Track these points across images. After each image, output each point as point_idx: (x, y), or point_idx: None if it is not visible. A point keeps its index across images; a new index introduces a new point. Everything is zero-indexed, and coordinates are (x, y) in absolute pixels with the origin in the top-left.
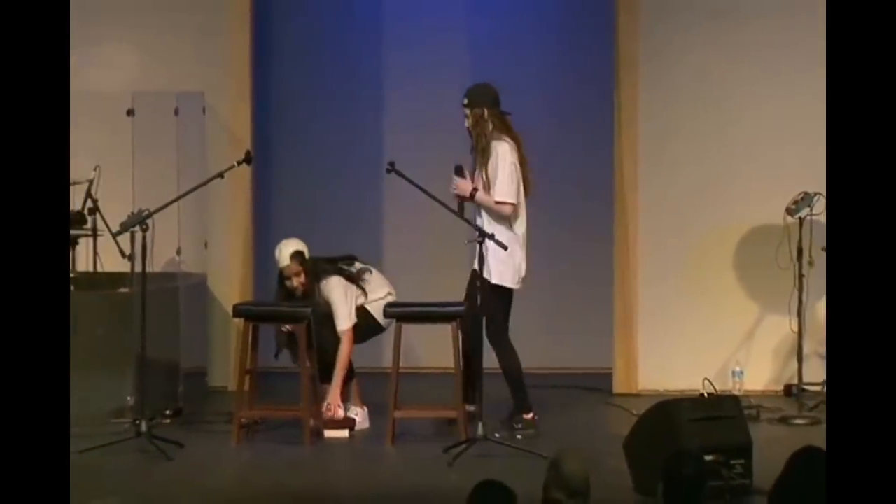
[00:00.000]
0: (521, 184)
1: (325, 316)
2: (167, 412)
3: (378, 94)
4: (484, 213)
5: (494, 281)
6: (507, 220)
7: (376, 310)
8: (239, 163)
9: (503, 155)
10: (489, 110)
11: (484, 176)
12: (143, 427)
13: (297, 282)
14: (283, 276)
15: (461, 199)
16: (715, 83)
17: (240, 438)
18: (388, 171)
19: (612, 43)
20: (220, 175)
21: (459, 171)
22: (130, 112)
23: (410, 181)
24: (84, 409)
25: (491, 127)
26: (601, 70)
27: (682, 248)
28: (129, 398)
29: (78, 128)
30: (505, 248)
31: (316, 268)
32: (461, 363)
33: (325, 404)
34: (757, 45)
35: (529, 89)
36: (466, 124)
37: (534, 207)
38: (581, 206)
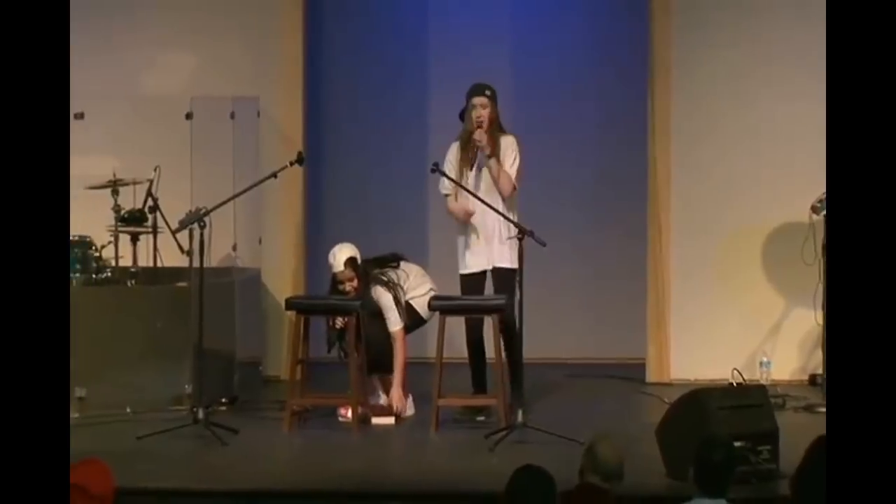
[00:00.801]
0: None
1: (374, 312)
2: (223, 400)
3: (423, 95)
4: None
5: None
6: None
7: (420, 305)
8: (291, 163)
9: (515, 144)
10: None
11: (493, 167)
12: (201, 414)
13: (349, 286)
14: (336, 280)
15: (478, 147)
16: (745, 84)
17: (291, 425)
18: (433, 171)
19: (648, 45)
20: (274, 175)
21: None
22: (189, 115)
23: (453, 180)
24: (144, 396)
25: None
26: (636, 72)
27: (712, 244)
28: (187, 387)
29: (140, 130)
30: (544, 244)
31: (367, 274)
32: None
33: (388, 400)
34: (787, 47)
35: (567, 91)
36: (484, 114)
37: (571, 206)
38: (616, 205)
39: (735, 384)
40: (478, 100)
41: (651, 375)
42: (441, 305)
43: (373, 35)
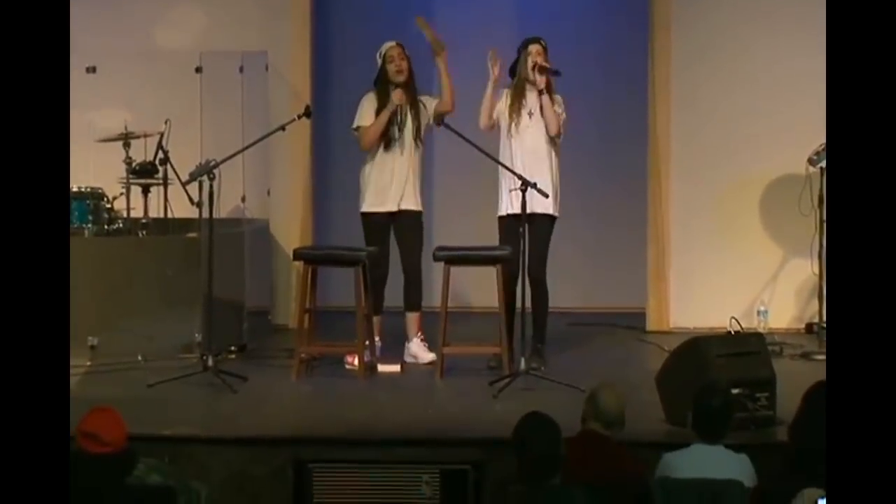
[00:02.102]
0: None
1: (379, 255)
2: (232, 348)
3: (429, 53)
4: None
5: (555, 212)
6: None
7: None
8: (299, 116)
9: (562, 101)
10: None
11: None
12: (210, 362)
13: (400, 64)
14: (385, 64)
15: (541, 69)
16: (745, 36)
17: (299, 373)
18: (438, 125)
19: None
20: (282, 128)
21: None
22: (199, 70)
23: (459, 134)
24: (154, 345)
25: None
26: (637, 23)
27: (711, 194)
28: (197, 335)
29: (150, 84)
30: (546, 195)
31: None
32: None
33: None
34: (784, 2)
35: (569, 39)
36: (540, 59)
37: (571, 152)
38: (616, 152)
39: (733, 332)
40: (534, 47)
41: (651, 324)
42: (445, 255)
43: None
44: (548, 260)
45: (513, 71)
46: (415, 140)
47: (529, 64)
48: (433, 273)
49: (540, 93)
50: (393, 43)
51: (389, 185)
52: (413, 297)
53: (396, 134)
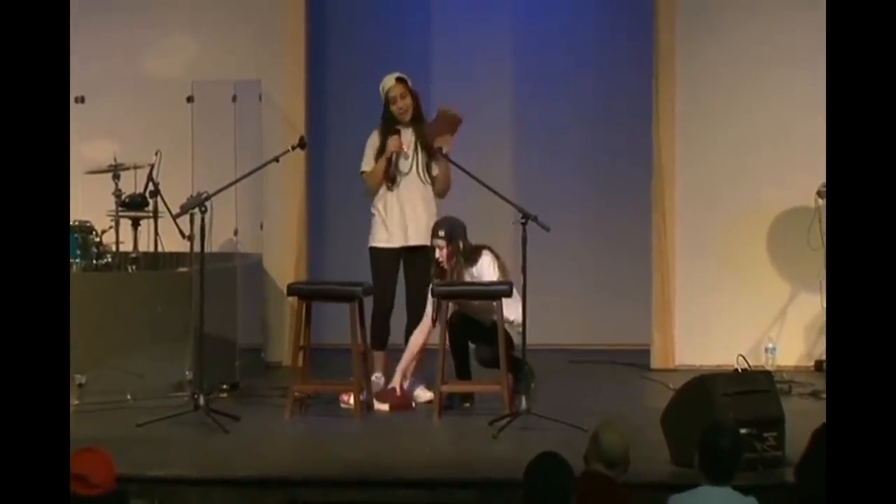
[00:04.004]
0: None
1: (385, 289)
2: (224, 387)
3: (426, 78)
4: None
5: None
6: None
7: None
8: (293, 147)
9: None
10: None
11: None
12: (202, 401)
13: (403, 104)
14: (388, 102)
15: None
16: (749, 65)
17: (293, 412)
18: (436, 156)
19: (652, 28)
20: (276, 159)
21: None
22: (190, 99)
23: (457, 165)
24: (144, 383)
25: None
26: (641, 53)
27: (717, 227)
28: (187, 373)
29: (141, 114)
30: (548, 229)
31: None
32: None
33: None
34: (790, 29)
35: (572, 70)
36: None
37: (575, 186)
38: (620, 185)
39: (740, 370)
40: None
41: (656, 361)
42: (444, 292)
43: (376, 18)
44: (547, 293)
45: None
46: (421, 174)
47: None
48: None
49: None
50: (393, 81)
51: (396, 221)
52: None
53: (397, 174)
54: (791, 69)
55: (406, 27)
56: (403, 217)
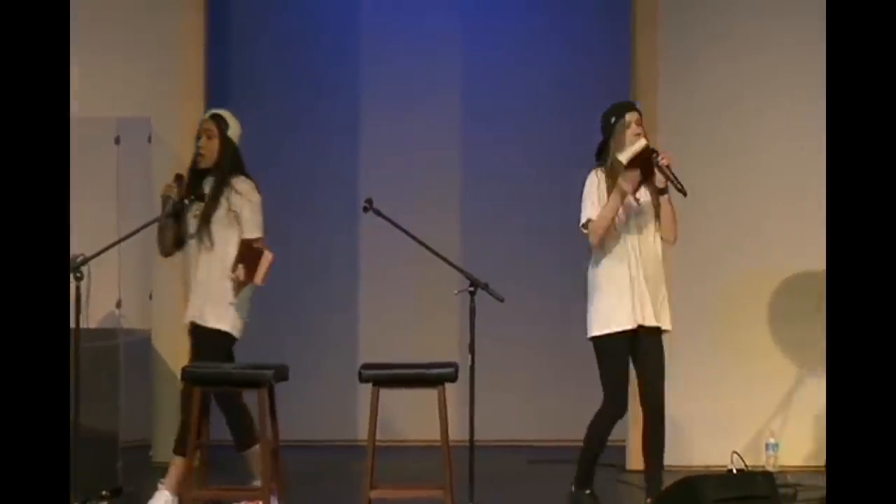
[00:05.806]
0: None
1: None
2: (104, 493)
3: (354, 120)
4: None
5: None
6: None
7: None
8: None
9: None
10: None
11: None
12: None
13: (206, 145)
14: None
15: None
16: (743, 106)
17: None
18: (366, 209)
19: (630, 70)
20: (167, 215)
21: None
22: None
23: (392, 222)
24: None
25: None
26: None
27: (711, 299)
28: None
29: None
30: (501, 299)
31: (235, 154)
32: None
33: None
34: (784, 70)
35: (541, 107)
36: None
37: (537, 251)
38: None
39: (735, 471)
40: (632, 116)
41: (632, 461)
42: (373, 375)
43: (292, 49)
44: (501, 380)
45: (600, 152)
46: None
47: (632, 136)
48: (361, 396)
49: (661, 190)
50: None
51: (190, 292)
52: None
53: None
54: (790, 120)
55: (328, 56)
56: (193, 288)
